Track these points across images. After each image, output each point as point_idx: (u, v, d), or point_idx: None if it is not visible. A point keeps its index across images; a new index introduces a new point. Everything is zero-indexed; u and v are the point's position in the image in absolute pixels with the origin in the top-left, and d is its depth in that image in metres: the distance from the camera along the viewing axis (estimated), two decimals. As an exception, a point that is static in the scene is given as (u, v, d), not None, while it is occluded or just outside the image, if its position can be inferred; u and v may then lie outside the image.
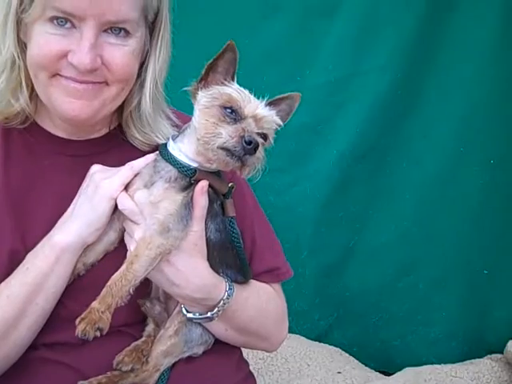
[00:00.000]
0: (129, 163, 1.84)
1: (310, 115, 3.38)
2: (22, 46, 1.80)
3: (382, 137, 3.56)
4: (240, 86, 1.78)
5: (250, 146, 1.66)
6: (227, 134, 1.67)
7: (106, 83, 1.80)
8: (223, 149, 1.67)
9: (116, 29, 1.75)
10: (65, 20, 1.70)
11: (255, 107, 1.73)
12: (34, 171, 1.91)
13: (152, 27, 1.88)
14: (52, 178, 1.91)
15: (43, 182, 1.90)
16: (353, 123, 3.54)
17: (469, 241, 3.66)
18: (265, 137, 1.75)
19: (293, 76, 3.48)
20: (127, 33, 1.78)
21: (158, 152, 1.84)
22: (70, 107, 1.79)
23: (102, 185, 1.79)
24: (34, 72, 1.78)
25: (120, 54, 1.78)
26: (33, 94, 1.87)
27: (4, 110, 1.87)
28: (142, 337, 1.91)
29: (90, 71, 1.74)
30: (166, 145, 1.83)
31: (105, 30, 1.75)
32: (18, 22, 1.76)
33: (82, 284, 1.84)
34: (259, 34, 3.41)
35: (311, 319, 3.68)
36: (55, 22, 1.71)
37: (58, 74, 1.76)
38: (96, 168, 1.84)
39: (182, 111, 2.06)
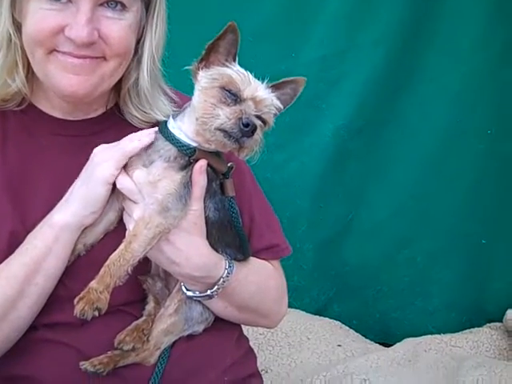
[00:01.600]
0: (126, 140, 1.81)
1: (306, 90, 3.32)
2: (17, 25, 1.79)
3: (377, 111, 3.56)
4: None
5: (247, 129, 1.66)
6: (225, 115, 1.67)
7: (104, 58, 1.81)
8: (221, 130, 1.68)
9: (112, 2, 1.77)
10: None
11: (255, 89, 1.72)
12: (32, 152, 1.92)
13: (148, 2, 1.88)
14: (50, 159, 1.91)
15: (41, 163, 1.90)
16: (348, 98, 3.54)
17: (466, 212, 3.68)
18: (263, 119, 1.74)
19: (287, 52, 3.46)
20: (123, 6, 1.79)
21: (157, 129, 1.83)
22: (68, 83, 1.79)
23: (98, 169, 1.78)
24: (30, 49, 1.78)
25: (117, 27, 1.79)
26: (29, 74, 1.86)
27: (0, 91, 1.87)
28: (142, 316, 1.91)
29: (88, 45, 1.75)
30: (166, 123, 1.83)
31: (101, 4, 1.75)
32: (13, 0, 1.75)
33: (82, 264, 1.85)
34: (252, 10, 3.38)
35: (310, 294, 3.70)
36: None
37: (55, 50, 1.77)
38: (97, 149, 1.82)
39: (179, 88, 2.06)
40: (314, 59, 3.47)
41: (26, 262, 1.78)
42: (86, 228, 1.82)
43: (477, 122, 3.57)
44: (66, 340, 1.85)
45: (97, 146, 1.83)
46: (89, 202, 1.78)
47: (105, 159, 1.79)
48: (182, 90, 2.06)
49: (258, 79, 1.76)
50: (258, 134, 1.71)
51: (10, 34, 1.78)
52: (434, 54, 3.50)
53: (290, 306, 3.37)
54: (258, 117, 1.72)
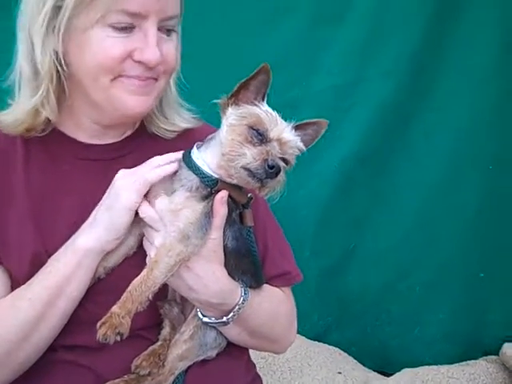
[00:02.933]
0: (149, 163, 1.85)
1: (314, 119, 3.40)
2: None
3: (384, 141, 3.62)
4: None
5: (272, 170, 1.69)
6: (251, 155, 1.70)
7: (155, 78, 1.88)
8: (246, 169, 1.71)
9: (163, 28, 1.84)
10: (125, 26, 1.77)
11: (281, 131, 1.75)
12: (55, 176, 1.95)
13: None
14: (72, 183, 1.94)
15: (64, 187, 1.94)
16: (356, 127, 3.60)
17: (466, 244, 3.72)
18: (286, 161, 1.77)
19: (298, 81, 3.53)
20: (172, 29, 1.87)
21: (180, 157, 1.87)
22: (134, 104, 1.86)
23: (121, 196, 1.81)
24: (93, 76, 1.81)
25: (172, 47, 1.88)
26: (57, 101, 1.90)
27: (31, 121, 1.90)
28: (157, 340, 1.94)
29: (156, 65, 1.82)
30: (190, 152, 1.86)
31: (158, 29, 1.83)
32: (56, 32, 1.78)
33: (103, 287, 1.88)
34: (266, 39, 3.45)
35: (312, 319, 3.74)
36: (116, 26, 1.76)
37: (121, 76, 1.82)
38: (119, 174, 1.85)
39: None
40: (324, 88, 3.53)
41: (49, 285, 1.80)
42: (106, 252, 1.86)
43: (480, 155, 3.62)
44: (85, 362, 1.87)
45: (120, 169, 1.86)
46: (112, 228, 1.81)
47: (127, 187, 1.82)
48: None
49: (275, 107, 1.80)
50: (281, 176, 1.74)
51: (56, 66, 1.81)
52: (443, 85, 3.57)
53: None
54: (282, 158, 1.75)
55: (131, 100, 1.85)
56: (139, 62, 1.80)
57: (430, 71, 3.54)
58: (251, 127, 1.74)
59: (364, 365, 3.63)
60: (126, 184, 1.82)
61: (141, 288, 1.71)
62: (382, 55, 3.52)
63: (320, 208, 3.68)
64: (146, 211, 1.81)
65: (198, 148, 1.86)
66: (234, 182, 1.78)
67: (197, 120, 2.11)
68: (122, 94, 1.84)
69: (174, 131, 2.06)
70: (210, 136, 1.87)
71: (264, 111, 1.77)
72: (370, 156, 3.63)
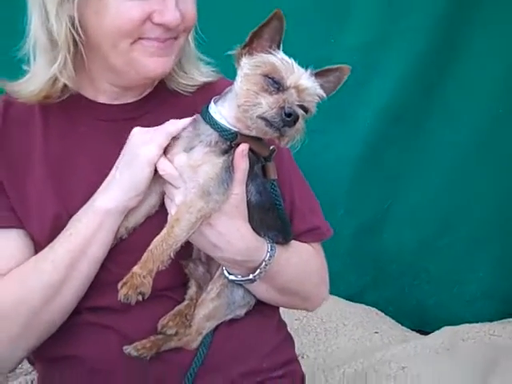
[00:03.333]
0: (169, 122, 1.83)
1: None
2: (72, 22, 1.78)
3: (417, 97, 3.50)
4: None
5: (289, 118, 1.64)
6: (267, 104, 1.65)
7: (175, 37, 1.85)
8: (262, 118, 1.66)
9: None
10: None
11: (298, 78, 1.69)
12: (73, 138, 1.93)
13: None
14: (91, 144, 1.92)
15: (82, 149, 1.92)
16: (388, 84, 3.48)
17: (506, 200, 3.61)
18: (306, 108, 1.72)
19: (326, 37, 3.42)
20: None
21: (197, 115, 1.83)
22: (155, 66, 1.83)
23: (141, 150, 1.79)
24: (112, 41, 1.78)
25: (190, 4, 1.85)
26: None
27: (49, 89, 1.88)
28: (184, 300, 1.92)
29: (176, 26, 1.79)
30: (207, 107, 1.82)
31: None
32: None
33: (125, 248, 1.85)
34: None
35: (346, 280, 3.67)
36: None
37: (140, 38, 1.79)
38: (136, 130, 1.83)
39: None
40: (354, 45, 3.41)
41: (71, 248, 1.79)
42: (128, 211, 1.83)
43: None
44: (110, 323, 1.86)
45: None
46: (132, 184, 1.79)
47: (146, 141, 1.79)
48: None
49: (302, 66, 1.74)
50: (300, 123, 1.69)
51: (73, 34, 1.78)
52: (477, 40, 3.41)
53: (327, 291, 3.35)
54: (301, 105, 1.70)
55: (152, 62, 1.83)
56: (159, 24, 1.77)
57: (462, 24, 3.39)
58: (266, 76, 1.69)
59: (402, 324, 3.57)
60: (144, 139, 1.80)
61: (162, 246, 1.67)
62: (411, 10, 3.37)
63: (353, 166, 3.59)
64: (165, 168, 1.78)
65: (215, 102, 1.82)
66: (253, 133, 1.74)
67: (215, 73, 2.08)
68: (142, 56, 1.81)
69: (194, 85, 2.03)
70: (227, 89, 1.83)
71: (279, 59, 1.71)
72: (403, 113, 3.52)
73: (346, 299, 3.60)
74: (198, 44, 2.04)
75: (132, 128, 1.84)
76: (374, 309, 3.56)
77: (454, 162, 3.60)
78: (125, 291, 1.63)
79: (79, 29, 1.77)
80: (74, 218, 1.82)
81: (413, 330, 3.53)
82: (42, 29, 1.80)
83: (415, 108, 3.52)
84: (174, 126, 1.81)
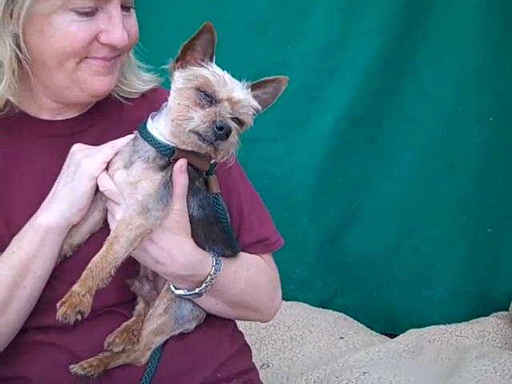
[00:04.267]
0: (110, 142, 1.83)
1: (303, 82, 3.34)
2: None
3: (377, 100, 3.52)
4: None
5: (221, 132, 1.64)
6: (199, 118, 1.65)
7: (118, 54, 1.85)
8: (195, 133, 1.66)
9: (127, 3, 1.82)
10: (89, 11, 1.73)
11: (231, 90, 1.69)
12: (16, 156, 1.91)
13: None
14: (33, 161, 1.90)
15: (25, 166, 1.90)
16: (347, 88, 3.50)
17: (470, 200, 3.65)
18: (241, 121, 1.72)
19: (283, 44, 3.41)
20: (129, 6, 1.85)
21: (136, 131, 1.83)
22: (101, 84, 1.84)
23: (83, 164, 1.78)
24: (57, 61, 1.77)
25: (133, 22, 1.86)
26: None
27: None
28: (132, 316, 1.91)
29: (124, 46, 1.81)
30: (145, 123, 1.81)
31: None
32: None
33: (70, 265, 1.84)
34: (246, 2, 3.31)
35: (314, 286, 3.67)
36: (79, 10, 1.71)
37: (86, 57, 1.79)
38: (76, 147, 1.83)
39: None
40: (311, 50, 3.43)
41: (14, 265, 1.78)
42: (71, 228, 1.82)
43: (478, 108, 3.53)
44: (58, 341, 1.85)
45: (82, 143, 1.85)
46: (74, 199, 1.78)
47: (88, 155, 1.80)
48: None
49: (239, 78, 1.74)
50: (234, 137, 1.69)
51: (17, 53, 1.77)
52: (433, 40, 3.46)
53: (294, 298, 3.37)
54: (235, 118, 1.69)
55: (98, 80, 1.83)
56: (106, 44, 1.77)
57: (418, 26, 3.43)
58: (198, 89, 1.69)
59: (372, 329, 3.57)
60: (86, 154, 1.81)
61: (101, 264, 1.66)
62: (367, 12, 3.42)
63: (315, 173, 3.59)
64: (105, 184, 1.77)
65: (152, 118, 1.81)
66: (189, 148, 1.73)
67: (157, 78, 2.07)
68: (87, 75, 1.81)
69: (136, 92, 2.03)
70: (163, 104, 1.82)
71: (211, 72, 1.71)
72: (364, 116, 3.54)
73: (316, 306, 3.59)
74: (139, 56, 2.05)
75: (75, 143, 1.84)
76: (342, 314, 3.55)
77: (416, 164, 3.62)
78: (63, 310, 1.61)
79: (24, 47, 1.76)
80: (17, 237, 1.81)
81: (383, 334, 3.54)
82: None
83: (374, 111, 3.54)
84: (118, 141, 1.82)
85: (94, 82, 1.83)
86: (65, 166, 1.82)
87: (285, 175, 3.51)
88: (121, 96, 2.02)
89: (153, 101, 1.98)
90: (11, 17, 1.72)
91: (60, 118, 1.96)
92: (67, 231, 1.81)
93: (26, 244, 1.79)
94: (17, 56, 1.78)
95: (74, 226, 1.82)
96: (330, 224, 3.67)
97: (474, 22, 3.42)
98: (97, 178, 1.77)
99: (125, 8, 1.82)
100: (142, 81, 2.05)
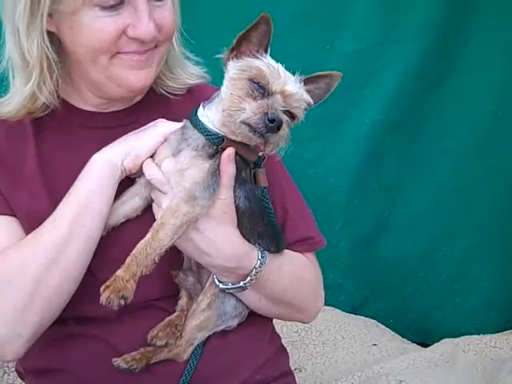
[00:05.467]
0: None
1: (341, 83, 3.29)
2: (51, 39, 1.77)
3: (415, 105, 3.48)
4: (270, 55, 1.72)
5: (272, 124, 1.62)
6: (251, 109, 1.63)
7: (155, 46, 1.82)
8: (246, 124, 1.64)
9: None
10: (113, 4, 1.69)
11: (284, 83, 1.67)
12: (64, 146, 1.91)
13: None
14: (81, 152, 1.87)
15: (73, 156, 1.88)
16: (385, 92, 3.46)
17: (505, 208, 3.58)
18: (292, 114, 1.70)
19: (322, 44, 3.39)
20: None
21: (186, 120, 1.81)
22: (136, 79, 1.81)
23: (158, 123, 1.83)
24: (90, 57, 1.76)
25: (167, 13, 1.80)
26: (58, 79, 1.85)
27: (29, 105, 1.85)
28: (175, 311, 1.88)
29: (152, 39, 1.76)
30: (196, 111, 1.80)
31: None
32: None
33: (112, 255, 1.77)
34: (286, 1, 3.30)
35: (346, 291, 3.64)
36: (103, 5, 1.68)
37: (118, 52, 1.76)
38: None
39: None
40: (350, 52, 3.39)
41: (72, 202, 1.76)
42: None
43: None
44: (99, 335, 1.83)
45: None
46: (136, 144, 1.79)
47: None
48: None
49: (292, 72, 1.72)
50: (285, 130, 1.67)
51: (47, 52, 1.76)
52: (473, 45, 3.41)
53: (325, 303, 3.32)
54: (287, 111, 1.68)
55: (133, 75, 1.81)
56: (134, 38, 1.74)
57: (458, 33, 3.38)
58: (252, 80, 1.67)
59: (403, 336, 3.52)
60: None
61: (145, 251, 1.64)
62: (407, 16, 3.36)
63: (350, 176, 3.56)
64: (152, 173, 1.76)
65: (203, 106, 1.80)
66: (238, 138, 1.71)
67: (204, 74, 2.06)
68: (122, 70, 1.79)
69: (183, 87, 2.01)
70: (216, 93, 1.80)
71: (266, 63, 1.69)
72: (401, 121, 3.50)
73: (347, 311, 3.56)
74: (186, 45, 2.01)
75: (119, 136, 1.83)
76: (374, 321, 3.52)
77: (452, 171, 3.57)
78: (107, 294, 1.59)
79: (49, 45, 1.75)
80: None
81: (414, 342, 3.49)
82: (16, 49, 1.78)
83: (411, 115, 3.50)
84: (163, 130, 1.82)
85: (129, 76, 1.80)
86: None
87: (320, 177, 3.48)
88: (166, 91, 2.00)
89: (199, 97, 1.95)
90: (37, 15, 1.70)
91: (106, 111, 1.96)
92: (120, 175, 1.80)
93: (82, 181, 1.78)
94: (47, 55, 1.76)
95: (113, 201, 1.80)
96: (363, 229, 3.64)
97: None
98: (165, 138, 1.79)
99: None
100: (189, 74, 2.03)
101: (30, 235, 1.78)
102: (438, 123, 3.52)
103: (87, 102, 1.93)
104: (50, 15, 1.71)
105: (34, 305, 1.73)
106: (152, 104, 1.99)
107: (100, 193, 1.77)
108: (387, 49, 3.42)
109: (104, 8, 1.69)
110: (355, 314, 3.57)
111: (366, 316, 3.57)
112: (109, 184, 1.78)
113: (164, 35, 1.81)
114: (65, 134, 1.92)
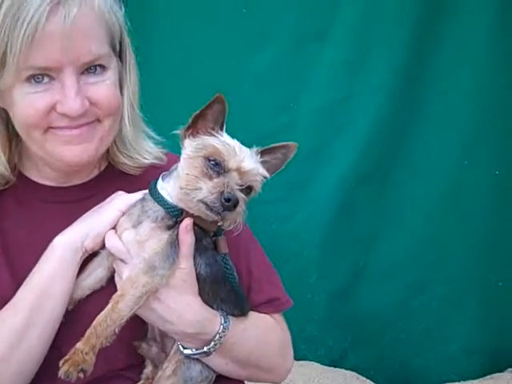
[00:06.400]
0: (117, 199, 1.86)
1: (309, 140, 3.37)
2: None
3: (383, 155, 3.56)
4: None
5: (228, 203, 1.65)
6: (207, 189, 1.66)
7: (98, 120, 1.82)
8: (203, 202, 1.67)
9: (92, 67, 1.77)
10: (42, 76, 1.71)
11: (240, 160, 1.71)
12: (26, 222, 1.93)
13: (119, 54, 1.89)
14: (44, 228, 1.90)
15: (35, 234, 1.90)
16: (352, 145, 3.53)
17: (480, 254, 3.63)
18: (249, 188, 1.73)
19: (287, 103, 3.46)
20: (103, 68, 1.80)
21: (146, 191, 1.84)
22: (71, 154, 1.81)
23: (115, 198, 1.85)
24: (26, 132, 1.79)
25: (104, 89, 1.80)
26: (13, 152, 1.90)
27: None
28: (140, 379, 1.88)
29: (82, 115, 1.76)
30: (155, 183, 1.83)
31: (82, 73, 1.75)
32: None
33: (79, 329, 1.76)
34: (250, 63, 3.38)
35: (325, 344, 3.62)
36: (32, 80, 1.71)
37: (51, 127, 1.78)
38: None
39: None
40: (315, 108, 3.48)
41: (33, 286, 1.78)
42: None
43: (484, 162, 3.55)
44: None
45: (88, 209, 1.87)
46: (94, 223, 1.81)
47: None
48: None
49: (251, 142, 1.76)
50: (241, 207, 1.70)
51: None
52: (437, 95, 3.51)
53: (304, 358, 3.30)
54: (243, 187, 1.71)
55: (67, 150, 1.81)
56: (63, 114, 1.76)
57: (420, 79, 3.48)
58: (207, 158, 1.70)
59: (386, 387, 3.51)
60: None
61: (105, 322, 1.65)
62: (369, 69, 3.46)
63: (322, 230, 3.60)
64: (113, 243, 1.78)
65: (163, 178, 1.83)
66: (196, 214, 1.75)
67: (162, 155, 2.05)
68: (56, 146, 1.80)
69: (140, 167, 2.01)
70: (174, 166, 1.83)
71: (221, 141, 1.72)
72: (370, 172, 3.57)
73: (326, 365, 3.54)
74: (147, 121, 2.04)
75: (82, 209, 1.85)
76: (354, 373, 3.50)
77: (424, 219, 3.62)
78: (65, 368, 1.59)
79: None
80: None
81: (397, 392, 3.48)
82: None
83: (381, 166, 3.57)
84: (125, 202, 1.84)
85: (64, 152, 1.81)
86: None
87: (292, 234, 3.51)
88: (125, 170, 2.01)
89: (159, 168, 1.97)
90: None
91: (64, 185, 1.98)
92: (81, 256, 1.82)
93: (44, 264, 1.80)
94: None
95: (77, 276, 1.82)
96: (338, 281, 3.66)
97: (476, 78, 3.46)
98: (122, 212, 1.81)
99: (91, 71, 1.78)
100: (147, 154, 2.02)
101: None
102: (408, 173, 3.59)
103: (45, 176, 1.95)
104: None
105: None
106: (110, 179, 2.00)
107: (61, 276, 1.79)
108: (351, 103, 3.51)
109: (33, 84, 1.72)
110: (335, 367, 3.55)
111: (346, 368, 3.56)
112: (70, 266, 1.80)
113: (105, 111, 1.81)
114: (26, 209, 1.94)
